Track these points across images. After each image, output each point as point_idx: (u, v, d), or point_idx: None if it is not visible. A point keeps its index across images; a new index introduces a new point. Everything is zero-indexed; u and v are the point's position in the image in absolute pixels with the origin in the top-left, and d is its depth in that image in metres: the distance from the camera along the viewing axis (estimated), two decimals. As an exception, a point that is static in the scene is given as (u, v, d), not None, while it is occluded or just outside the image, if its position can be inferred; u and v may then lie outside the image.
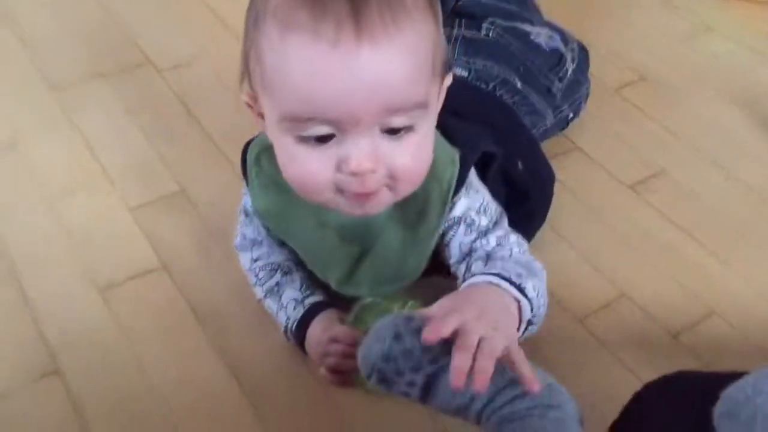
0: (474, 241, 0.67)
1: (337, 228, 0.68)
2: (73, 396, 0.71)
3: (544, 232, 0.85)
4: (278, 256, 0.75)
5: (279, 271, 0.74)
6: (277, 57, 0.56)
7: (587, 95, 0.96)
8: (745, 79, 1.09)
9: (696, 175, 0.95)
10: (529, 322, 0.62)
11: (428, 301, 0.69)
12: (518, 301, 0.60)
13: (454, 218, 0.67)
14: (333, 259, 0.70)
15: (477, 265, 0.66)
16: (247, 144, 0.72)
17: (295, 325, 0.71)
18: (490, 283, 0.60)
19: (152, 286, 0.81)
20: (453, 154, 0.67)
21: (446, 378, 0.51)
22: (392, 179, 0.59)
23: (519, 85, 0.86)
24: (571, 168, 0.95)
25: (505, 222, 0.70)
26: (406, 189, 0.61)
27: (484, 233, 0.68)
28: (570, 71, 0.92)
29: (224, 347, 0.75)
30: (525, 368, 0.52)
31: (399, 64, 0.55)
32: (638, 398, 0.52)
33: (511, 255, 0.66)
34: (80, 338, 0.76)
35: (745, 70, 1.11)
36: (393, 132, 0.57)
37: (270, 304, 0.74)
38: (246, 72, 0.61)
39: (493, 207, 0.70)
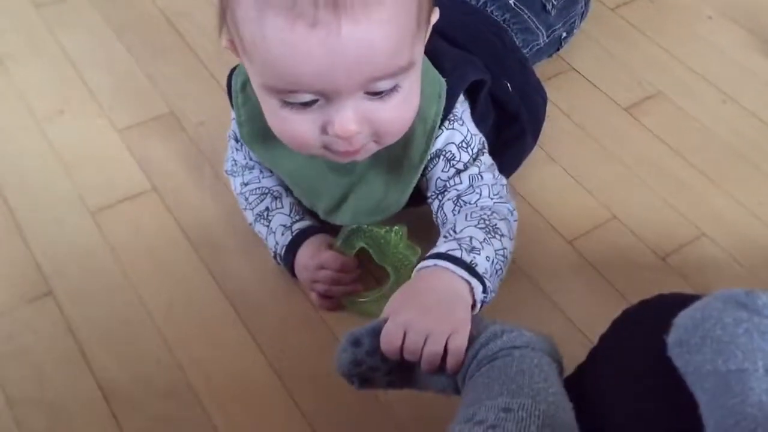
0: (449, 178, 0.68)
1: (325, 160, 0.67)
2: (66, 317, 0.71)
3: (536, 153, 0.85)
4: (268, 181, 0.75)
5: (269, 195, 0.74)
6: (256, 33, 0.54)
7: (582, 14, 0.94)
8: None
9: (692, 98, 0.94)
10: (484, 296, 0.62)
11: (412, 226, 0.70)
12: (468, 283, 0.60)
13: (435, 151, 0.67)
14: (321, 189, 0.70)
15: (447, 206, 0.67)
16: (232, 71, 0.71)
17: (283, 251, 0.71)
18: (440, 267, 0.60)
19: (143, 208, 0.80)
20: (440, 89, 0.66)
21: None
22: (377, 135, 0.60)
23: (511, 1, 0.83)
24: (565, 89, 0.93)
25: (485, 158, 0.70)
26: (391, 140, 0.62)
27: (460, 171, 0.68)
28: (566, -13, 0.89)
29: (217, 269, 0.75)
30: (451, 361, 0.55)
31: (381, 37, 0.53)
32: (617, 323, 0.53)
33: (479, 198, 0.67)
34: (72, 261, 0.76)
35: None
36: (377, 94, 0.57)
37: (260, 228, 0.74)
38: (223, 22, 0.59)
39: (476, 140, 0.69)
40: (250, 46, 0.55)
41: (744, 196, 0.83)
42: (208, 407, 0.66)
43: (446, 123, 0.67)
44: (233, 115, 0.72)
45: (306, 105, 0.57)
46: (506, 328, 0.55)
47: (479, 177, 0.68)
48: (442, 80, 0.66)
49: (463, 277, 0.59)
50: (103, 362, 0.69)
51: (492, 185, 0.68)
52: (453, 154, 0.68)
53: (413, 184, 0.68)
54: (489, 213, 0.65)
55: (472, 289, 0.60)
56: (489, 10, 0.82)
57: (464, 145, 0.68)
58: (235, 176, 0.76)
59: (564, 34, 0.92)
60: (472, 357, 0.53)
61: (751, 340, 0.42)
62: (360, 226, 0.68)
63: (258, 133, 0.68)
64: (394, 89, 0.57)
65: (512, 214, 0.69)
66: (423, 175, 0.68)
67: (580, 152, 0.88)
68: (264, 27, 0.53)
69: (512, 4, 0.84)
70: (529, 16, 0.85)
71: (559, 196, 0.83)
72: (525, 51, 0.85)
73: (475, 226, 0.64)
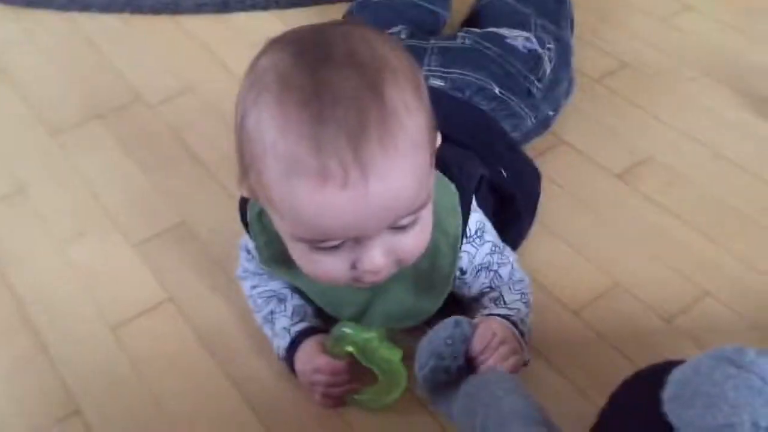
0: (492, 279, 0.74)
1: None
2: (94, 434, 0.74)
3: (535, 228, 0.87)
4: (275, 284, 0.78)
5: (274, 298, 0.77)
6: (285, 195, 0.57)
7: (567, 92, 0.98)
8: (726, 57, 1.10)
9: (683, 158, 0.96)
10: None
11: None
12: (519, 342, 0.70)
13: (476, 266, 0.73)
14: (343, 303, 0.73)
15: (485, 302, 0.74)
16: (243, 197, 0.72)
17: (284, 354, 0.74)
18: (507, 325, 0.70)
19: (160, 319, 0.84)
20: (454, 199, 0.70)
21: None
22: (401, 262, 0.64)
23: (497, 90, 0.87)
24: (558, 163, 0.97)
25: (508, 250, 0.77)
26: (412, 261, 0.65)
27: (496, 270, 0.74)
28: (548, 71, 0.93)
29: (234, 373, 0.78)
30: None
31: (404, 186, 0.57)
32: (623, 387, 0.54)
33: (512, 281, 0.75)
34: (97, 377, 0.79)
35: (724, 48, 1.12)
36: (400, 228, 0.61)
37: (266, 331, 0.77)
38: (244, 172, 0.61)
39: (495, 236, 0.75)
40: (278, 204, 0.59)
41: (743, 251, 0.85)
42: None
43: (476, 240, 0.72)
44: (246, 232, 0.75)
45: (335, 247, 0.60)
46: None
47: (513, 269, 0.76)
48: (455, 191, 0.70)
49: (517, 338, 0.70)
50: (132, 476, 0.71)
51: (518, 269, 0.76)
52: (489, 262, 0.73)
53: (447, 293, 0.72)
54: (525, 285, 0.75)
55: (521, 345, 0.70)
56: (475, 101, 0.86)
57: (495, 250, 0.74)
58: (244, 280, 0.79)
59: (551, 113, 0.95)
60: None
61: (739, 395, 0.44)
62: (343, 332, 0.71)
63: (277, 258, 0.71)
64: (415, 221, 0.61)
65: (529, 283, 0.78)
66: (458, 282, 0.73)
67: (578, 223, 0.90)
68: (294, 190, 0.55)
69: (498, 93, 0.88)
70: (515, 102, 0.89)
71: (561, 268, 0.85)
72: (515, 134, 0.89)
73: (520, 300, 0.74)
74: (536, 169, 0.87)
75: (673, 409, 0.46)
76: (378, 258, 0.60)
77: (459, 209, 0.70)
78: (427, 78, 0.85)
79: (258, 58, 0.59)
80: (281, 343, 0.74)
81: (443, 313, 0.72)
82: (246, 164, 0.60)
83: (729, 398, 0.44)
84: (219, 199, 0.96)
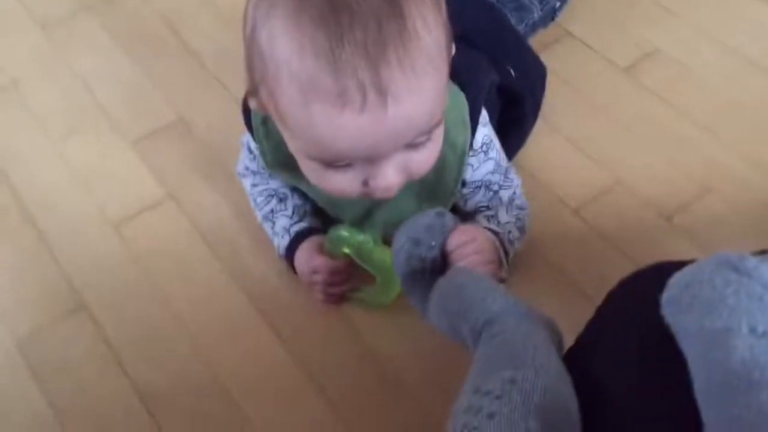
0: (490, 199, 0.73)
1: None
2: (101, 329, 0.76)
3: (537, 125, 0.86)
4: (275, 183, 0.77)
5: (275, 197, 0.77)
6: (301, 116, 0.55)
7: (575, -19, 0.94)
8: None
9: (690, 52, 0.94)
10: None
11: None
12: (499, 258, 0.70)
13: (477, 182, 0.72)
14: (346, 207, 0.73)
15: (481, 221, 0.73)
16: (247, 99, 0.69)
17: (284, 253, 0.75)
18: (491, 237, 0.70)
19: (162, 217, 0.84)
20: (464, 112, 0.68)
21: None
22: (412, 177, 0.63)
23: (505, -18, 0.84)
24: (563, 56, 0.94)
25: (512, 173, 0.75)
26: (422, 175, 0.64)
27: (497, 191, 0.73)
28: (556, -41, 0.89)
29: (236, 270, 0.79)
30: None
31: (422, 108, 0.56)
32: (621, 286, 0.55)
33: (518, 210, 0.74)
34: (101, 273, 0.80)
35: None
36: (414, 146, 0.60)
37: (267, 229, 0.77)
38: (253, 86, 0.60)
39: (503, 157, 0.74)
40: (292, 125, 0.57)
41: (746, 148, 0.84)
42: (238, 400, 0.70)
43: (481, 155, 0.71)
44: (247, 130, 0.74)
45: (348, 165, 0.60)
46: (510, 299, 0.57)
47: (515, 194, 0.74)
48: (465, 103, 0.68)
49: (500, 255, 0.70)
50: (138, 367, 0.73)
51: (521, 195, 0.75)
52: (489, 181, 0.72)
53: (449, 205, 0.72)
54: (524, 213, 0.74)
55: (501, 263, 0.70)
56: (483, -6, 0.83)
57: (498, 169, 0.73)
58: (245, 177, 0.79)
59: (558, 4, 0.92)
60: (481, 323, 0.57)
61: (738, 300, 0.44)
62: (340, 234, 0.71)
63: (282, 162, 0.70)
64: (428, 138, 0.60)
65: (527, 211, 0.76)
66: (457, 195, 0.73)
67: (581, 118, 0.89)
68: (311, 112, 0.54)
69: (505, -16, 0.84)
70: (522, -7, 0.86)
71: (562, 166, 0.84)
72: (521, 27, 0.86)
73: (514, 224, 0.72)
74: (543, 66, 0.85)
75: (672, 313, 0.46)
76: (391, 176, 0.60)
77: (468, 122, 0.68)
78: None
79: None
80: (281, 242, 0.75)
81: None
82: (256, 79, 0.58)
83: (728, 303, 0.44)
84: (216, 95, 0.94)
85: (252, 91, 0.60)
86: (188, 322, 0.75)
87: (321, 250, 0.73)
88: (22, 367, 0.74)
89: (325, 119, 0.54)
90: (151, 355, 0.73)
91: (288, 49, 0.53)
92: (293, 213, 0.76)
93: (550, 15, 0.92)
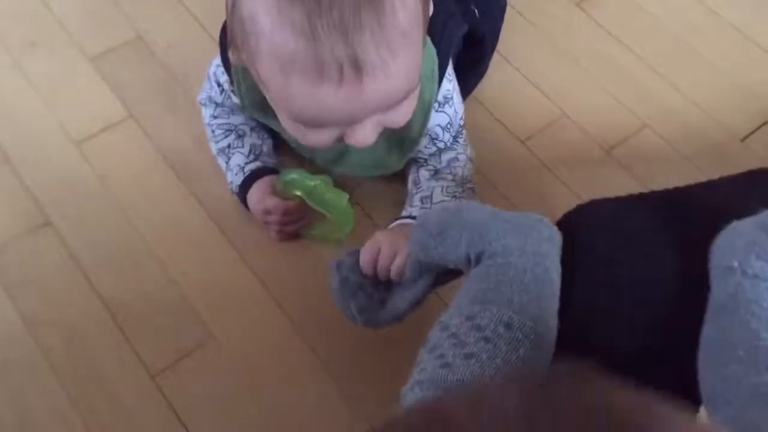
0: (431, 155, 0.75)
1: None
2: (67, 245, 0.78)
3: (493, 57, 0.89)
4: (236, 119, 0.79)
5: (234, 132, 0.79)
6: (279, 87, 0.58)
7: None
8: None
9: (641, -12, 0.97)
10: None
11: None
12: None
13: (426, 129, 0.73)
14: (318, 151, 0.75)
15: (423, 174, 0.76)
16: (224, 31, 0.70)
17: (237, 190, 0.77)
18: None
19: (123, 136, 0.86)
20: (433, 65, 0.70)
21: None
22: (387, 130, 0.65)
23: None
24: (519, -13, 0.96)
25: (462, 136, 0.76)
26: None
27: (441, 150, 0.75)
28: None
29: (198, 191, 0.82)
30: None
31: (399, 81, 0.58)
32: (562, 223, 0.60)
33: (454, 175, 0.75)
34: (65, 190, 0.82)
35: None
36: (391, 107, 0.61)
37: (220, 162, 0.79)
38: (234, 46, 0.61)
39: (458, 120, 0.75)
40: (273, 93, 0.60)
41: (687, 87, 0.89)
42: (204, 317, 0.74)
43: (436, 105, 0.72)
44: (217, 62, 0.75)
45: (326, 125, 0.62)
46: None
47: (456, 159, 0.76)
48: (435, 57, 0.70)
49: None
50: (107, 284, 0.76)
51: (464, 165, 0.76)
52: (437, 134, 0.74)
53: (412, 152, 0.75)
54: (461, 189, 0.75)
55: None
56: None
57: (449, 126, 0.74)
58: (206, 107, 0.80)
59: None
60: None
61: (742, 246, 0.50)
62: (292, 177, 0.74)
63: (258, 103, 0.71)
64: (404, 98, 0.62)
65: (473, 165, 0.77)
66: None
67: (533, 51, 0.92)
68: (290, 84, 0.56)
69: None
70: None
71: (512, 98, 0.88)
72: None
73: (450, 201, 0.73)
74: (503, 2, 0.87)
75: (713, 252, 0.52)
76: (368, 134, 0.62)
77: (437, 74, 0.71)
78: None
79: None
80: (234, 179, 0.77)
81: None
82: (237, 43, 0.60)
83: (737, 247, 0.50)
84: (176, 13, 0.94)
85: (233, 47, 0.61)
86: (154, 242, 0.78)
87: (273, 191, 0.75)
88: (-9, 280, 0.76)
89: (304, 92, 0.56)
90: (119, 273, 0.77)
91: (269, 24, 0.55)
92: (249, 152, 0.78)
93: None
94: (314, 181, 0.74)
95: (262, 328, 0.74)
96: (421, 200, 0.74)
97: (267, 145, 0.80)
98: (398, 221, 0.72)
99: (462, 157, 0.76)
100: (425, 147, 0.75)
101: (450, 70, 0.73)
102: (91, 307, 0.75)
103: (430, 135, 0.74)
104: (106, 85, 0.89)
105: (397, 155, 0.75)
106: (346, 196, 0.74)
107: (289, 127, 0.65)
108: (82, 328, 0.74)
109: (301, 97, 0.57)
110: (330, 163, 0.77)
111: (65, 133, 0.86)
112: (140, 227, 0.80)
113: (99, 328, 0.74)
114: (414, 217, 0.71)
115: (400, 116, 0.63)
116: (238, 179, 0.77)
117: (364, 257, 0.65)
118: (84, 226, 0.80)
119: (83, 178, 0.83)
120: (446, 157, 0.76)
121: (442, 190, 0.74)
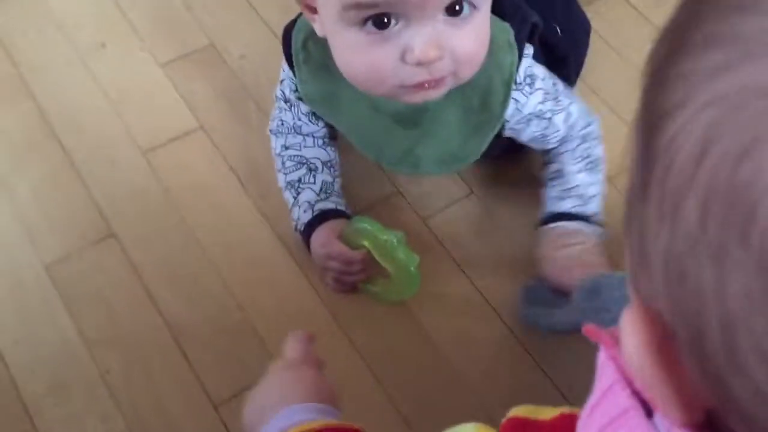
0: (546, 128, 0.71)
1: (391, 113, 0.68)
2: (129, 258, 0.76)
3: (577, 86, 0.85)
4: (309, 152, 0.75)
5: (305, 166, 0.75)
6: None
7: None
8: None
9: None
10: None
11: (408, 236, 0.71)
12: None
13: (528, 115, 0.69)
14: (386, 142, 0.70)
15: (551, 153, 0.73)
16: (288, 28, 0.70)
17: (302, 228, 0.73)
18: (571, 229, 0.71)
19: (192, 147, 0.83)
20: (509, 35, 0.66)
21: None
22: (456, 64, 0.60)
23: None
24: (606, 14, 0.92)
25: (563, 95, 0.72)
26: (468, 73, 0.62)
27: (551, 118, 0.70)
28: None
29: (265, 209, 0.79)
30: None
31: None
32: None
33: (576, 134, 0.72)
34: (130, 202, 0.79)
35: None
36: (457, 13, 0.57)
37: (288, 196, 0.75)
38: None
39: (551, 84, 0.71)
40: None
41: None
42: (268, 345, 0.71)
43: (526, 88, 0.68)
44: (282, 75, 0.72)
45: (383, 26, 0.57)
46: None
47: (569, 115, 0.71)
48: (509, 27, 0.67)
49: (586, 231, 0.71)
50: (168, 302, 0.73)
51: (578, 117, 0.72)
52: (542, 111, 0.70)
53: (494, 134, 0.69)
54: (587, 146, 0.72)
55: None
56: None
57: (548, 97, 0.70)
58: (278, 137, 0.76)
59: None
60: None
61: None
62: (363, 227, 0.70)
63: (320, 89, 0.69)
64: (471, 14, 0.58)
65: (597, 125, 0.74)
66: (507, 128, 0.70)
67: (619, 80, 0.88)
68: None
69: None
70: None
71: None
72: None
73: (584, 167, 0.72)
74: (588, 23, 0.83)
75: None
76: (430, 45, 0.57)
77: (515, 44, 0.66)
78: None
79: None
80: (302, 216, 0.73)
81: (488, 156, 0.71)
82: None
83: None
84: (249, 23, 0.92)
85: None
86: (219, 262, 0.76)
87: (339, 236, 0.71)
88: (52, 292, 0.74)
89: None
90: (181, 292, 0.74)
91: None
92: (321, 189, 0.74)
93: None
94: (386, 235, 0.69)
95: (329, 357, 0.70)
96: (554, 180, 0.73)
97: (338, 184, 0.76)
98: (552, 225, 0.72)
99: (573, 109, 0.72)
100: (537, 126, 0.70)
101: (529, 48, 0.69)
102: (152, 326, 0.72)
103: (535, 115, 0.69)
104: (175, 92, 0.87)
105: (475, 140, 0.69)
106: (417, 258, 0.69)
107: (347, 54, 0.61)
108: (142, 348, 0.71)
109: None
110: (398, 162, 0.72)
111: (133, 142, 0.83)
112: (205, 246, 0.77)
113: (161, 351, 0.71)
114: (566, 216, 0.71)
115: (464, 41, 0.59)
116: (306, 216, 0.73)
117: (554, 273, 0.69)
118: (148, 241, 0.77)
119: (150, 190, 0.80)
120: (559, 119, 0.71)
121: (572, 162, 0.72)
